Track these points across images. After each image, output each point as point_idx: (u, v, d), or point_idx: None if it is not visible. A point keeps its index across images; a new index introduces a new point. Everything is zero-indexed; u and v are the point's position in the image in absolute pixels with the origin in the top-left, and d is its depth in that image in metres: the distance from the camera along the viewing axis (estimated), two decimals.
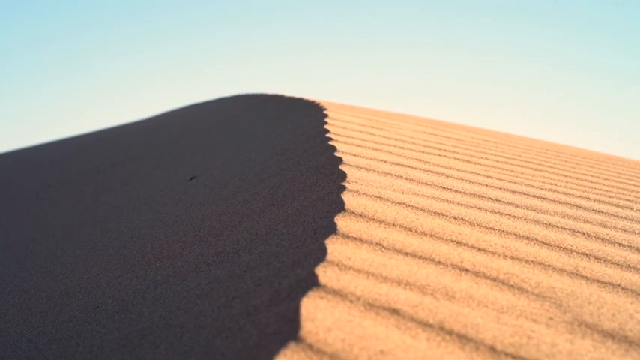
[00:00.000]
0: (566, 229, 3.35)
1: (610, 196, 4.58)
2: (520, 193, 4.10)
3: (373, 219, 2.83)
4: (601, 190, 4.83)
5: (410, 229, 2.82)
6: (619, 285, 2.66)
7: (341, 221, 2.71)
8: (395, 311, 2.00)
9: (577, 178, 5.21)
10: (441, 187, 3.80)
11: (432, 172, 4.24)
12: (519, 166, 5.33)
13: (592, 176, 5.49)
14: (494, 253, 2.75)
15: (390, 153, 4.64)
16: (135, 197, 5.75)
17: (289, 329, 1.80)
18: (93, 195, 6.75)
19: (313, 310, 1.89)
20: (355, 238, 2.55)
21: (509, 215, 3.42)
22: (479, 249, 2.77)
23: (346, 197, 3.06)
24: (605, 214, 3.93)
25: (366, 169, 3.82)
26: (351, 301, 2.00)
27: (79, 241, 4.69)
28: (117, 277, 3.42)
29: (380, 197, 3.19)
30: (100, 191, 6.81)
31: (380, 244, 2.55)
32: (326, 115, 6.07)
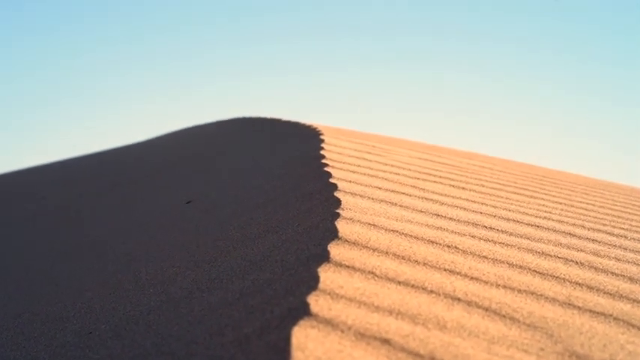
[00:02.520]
0: (559, 257, 3.37)
1: (604, 224, 4.59)
2: (514, 220, 4.11)
3: (366, 247, 2.84)
4: (596, 217, 4.84)
5: (403, 258, 2.83)
6: (611, 315, 2.67)
7: (334, 249, 2.73)
8: (386, 341, 2.01)
9: (572, 206, 5.22)
10: (435, 214, 3.82)
11: (426, 199, 4.26)
12: (514, 193, 5.35)
13: (587, 204, 5.51)
14: (486, 283, 2.76)
15: (385, 179, 4.66)
16: (131, 220, 5.76)
17: (280, 359, 1.81)
18: (90, 217, 6.76)
19: (304, 339, 1.90)
20: (348, 267, 2.56)
21: (503, 243, 3.43)
22: (471, 278, 2.78)
23: (340, 224, 3.07)
24: (599, 242, 3.94)
25: (361, 196, 3.84)
26: (342, 331, 2.01)
27: (75, 264, 4.70)
28: (111, 302, 3.42)
29: (374, 225, 3.21)
30: (98, 214, 6.82)
31: (372, 273, 2.56)
32: (322, 140, 6.09)
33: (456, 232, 3.45)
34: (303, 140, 6.59)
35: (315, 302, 2.16)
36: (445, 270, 2.80)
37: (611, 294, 2.95)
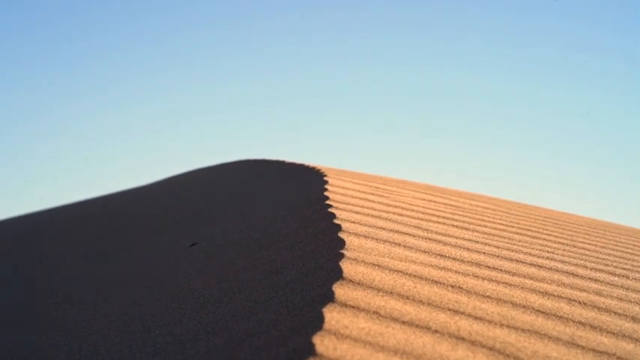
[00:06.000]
0: (562, 297, 3.39)
1: (607, 265, 4.61)
2: (517, 260, 4.14)
3: (371, 287, 2.87)
4: (598, 258, 4.86)
5: (407, 298, 2.86)
6: (614, 354, 2.69)
7: (339, 289, 2.75)
8: None
9: (574, 246, 5.25)
10: (439, 254, 3.85)
11: (430, 239, 4.29)
12: (517, 233, 5.38)
13: (589, 244, 5.53)
14: (490, 322, 2.78)
15: (389, 220, 4.69)
16: (136, 263, 5.78)
17: None
18: (95, 260, 6.78)
19: None
20: (353, 307, 2.59)
21: (506, 283, 3.45)
22: (475, 317, 2.80)
23: (344, 265, 3.10)
24: (602, 282, 3.96)
25: (365, 237, 3.87)
26: None
27: (81, 307, 4.72)
28: (116, 344, 3.44)
29: (378, 265, 3.24)
30: (102, 257, 6.85)
31: (377, 313, 2.59)
32: (326, 182, 6.13)
33: (459, 272, 3.48)
34: (307, 182, 6.64)
35: (321, 342, 2.19)
36: (449, 310, 2.82)
37: (614, 333, 2.96)
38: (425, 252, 3.83)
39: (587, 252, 5.07)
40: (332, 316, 2.44)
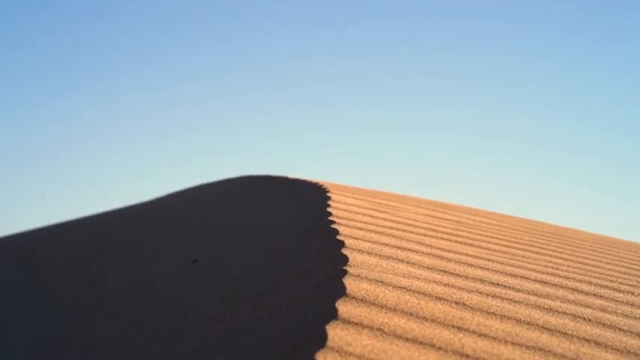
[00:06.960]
0: (567, 314, 3.36)
1: (611, 281, 4.59)
2: (521, 277, 4.12)
3: (374, 304, 2.85)
4: (602, 274, 4.84)
5: (411, 314, 2.84)
6: None
7: (342, 306, 2.73)
8: None
9: (578, 262, 5.22)
10: (442, 270, 3.83)
11: (433, 255, 4.27)
12: (521, 249, 5.36)
13: (593, 260, 5.51)
14: (495, 339, 2.76)
15: (392, 236, 4.67)
16: (138, 279, 5.76)
17: None
18: (96, 277, 6.77)
19: None
20: (356, 324, 2.57)
21: (511, 300, 3.43)
22: (480, 334, 2.78)
23: (347, 281, 3.08)
24: (606, 298, 3.94)
25: (368, 253, 3.85)
26: None
27: (81, 324, 4.70)
28: None
29: (381, 281, 3.22)
30: (103, 273, 6.83)
31: (381, 330, 2.57)
32: (329, 198, 6.12)
33: (463, 289, 3.46)
34: (310, 198, 6.63)
35: None
36: (453, 326, 2.80)
37: (619, 350, 2.94)
38: (428, 268, 3.81)
39: (591, 268, 5.04)
40: (335, 333, 2.42)
